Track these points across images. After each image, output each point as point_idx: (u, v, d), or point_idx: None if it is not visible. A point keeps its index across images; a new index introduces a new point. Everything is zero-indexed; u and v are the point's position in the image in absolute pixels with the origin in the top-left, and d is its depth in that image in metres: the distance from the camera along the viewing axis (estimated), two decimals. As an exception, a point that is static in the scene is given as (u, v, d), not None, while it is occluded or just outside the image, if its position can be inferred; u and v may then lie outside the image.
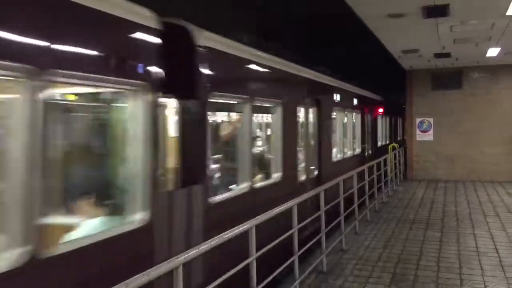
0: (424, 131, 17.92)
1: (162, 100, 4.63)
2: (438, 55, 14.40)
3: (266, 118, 8.42)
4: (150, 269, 3.20)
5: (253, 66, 7.18)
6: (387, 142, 20.58)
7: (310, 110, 9.96)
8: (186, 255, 3.59)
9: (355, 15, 9.29)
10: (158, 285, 3.58)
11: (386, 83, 21.88)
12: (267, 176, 7.73)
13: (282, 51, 8.77)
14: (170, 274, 3.41)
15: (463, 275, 6.88)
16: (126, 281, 2.96)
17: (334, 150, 11.77)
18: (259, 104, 7.29)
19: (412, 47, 13.28)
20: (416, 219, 10.82)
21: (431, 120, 17.84)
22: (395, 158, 16.30)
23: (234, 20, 11.53)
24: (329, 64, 13.02)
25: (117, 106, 4.48)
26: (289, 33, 14.79)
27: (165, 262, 3.39)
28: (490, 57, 14.80)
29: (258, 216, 4.99)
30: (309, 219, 6.84)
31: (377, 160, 12.76)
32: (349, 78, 13.66)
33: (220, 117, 7.05)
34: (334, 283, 6.61)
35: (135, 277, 3.04)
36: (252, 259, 4.74)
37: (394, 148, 17.42)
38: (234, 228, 4.48)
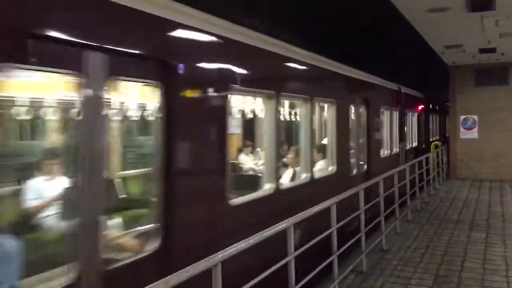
0: (469, 129, 17.38)
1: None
2: (482, 50, 13.93)
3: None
4: (189, 267, 3.22)
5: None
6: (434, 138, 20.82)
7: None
8: (225, 253, 3.60)
9: (396, 10, 9.09)
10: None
11: (429, 79, 21.34)
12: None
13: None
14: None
15: (510, 278, 6.63)
16: (165, 278, 2.98)
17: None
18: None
19: (455, 42, 12.91)
20: (459, 219, 10.52)
21: (475, 117, 17.29)
22: (437, 157, 15.90)
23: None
24: (368, 59, 12.82)
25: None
26: (326, 29, 14.63)
27: (204, 260, 3.41)
28: (538, 52, 14.20)
29: (297, 215, 4.98)
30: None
31: (418, 159, 12.49)
32: (392, 75, 13.45)
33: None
34: (374, 284, 6.50)
35: (174, 274, 3.07)
36: (291, 257, 4.71)
37: (436, 146, 16.95)
38: (273, 226, 4.47)
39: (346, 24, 15.06)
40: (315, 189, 7.29)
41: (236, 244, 3.83)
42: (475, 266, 7.15)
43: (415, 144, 17.06)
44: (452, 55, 15.04)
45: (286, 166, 7.90)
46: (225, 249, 3.65)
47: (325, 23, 14.47)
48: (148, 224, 3.99)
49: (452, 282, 6.50)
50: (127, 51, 3.72)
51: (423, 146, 17.85)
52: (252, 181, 6.72)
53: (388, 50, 17.43)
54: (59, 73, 3.33)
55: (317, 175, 7.74)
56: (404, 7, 9.11)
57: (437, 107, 22.85)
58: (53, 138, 4.30)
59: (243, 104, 8.41)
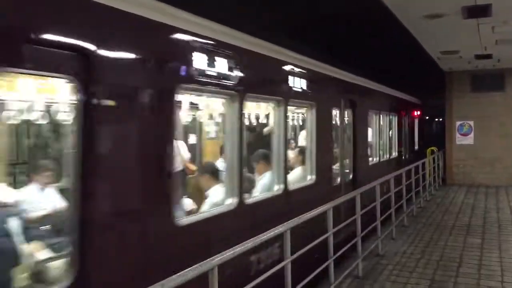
0: (464, 135, 17.44)
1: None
2: (479, 57, 13.99)
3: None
4: (186, 270, 3.23)
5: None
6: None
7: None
8: (221, 256, 3.61)
9: (392, 16, 9.12)
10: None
11: (424, 85, 21.40)
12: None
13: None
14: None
15: (505, 283, 6.65)
16: (162, 281, 2.99)
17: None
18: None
19: (451, 48, 12.96)
20: (455, 225, 10.54)
21: (471, 123, 17.35)
22: (433, 162, 15.94)
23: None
24: (364, 65, 12.83)
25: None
26: (322, 33, 14.63)
27: (201, 263, 3.41)
28: (534, 59, 14.27)
29: (293, 219, 4.99)
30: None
31: (414, 164, 12.53)
32: (386, 80, 13.46)
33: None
34: (370, 288, 6.51)
35: (171, 277, 3.07)
36: (287, 261, 4.71)
37: (432, 152, 16.99)
38: (269, 231, 4.48)
39: (342, 29, 15.10)
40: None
41: (232, 248, 3.85)
42: (471, 272, 7.17)
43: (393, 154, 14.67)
44: (448, 61, 15.10)
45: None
46: (221, 253, 3.67)
47: (321, 29, 14.51)
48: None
49: (447, 287, 6.52)
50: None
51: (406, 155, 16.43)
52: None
53: (384, 55, 17.46)
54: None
55: None
56: (400, 13, 9.14)
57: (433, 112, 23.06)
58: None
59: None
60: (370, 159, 11.69)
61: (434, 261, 7.73)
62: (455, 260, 7.77)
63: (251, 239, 4.17)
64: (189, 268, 3.27)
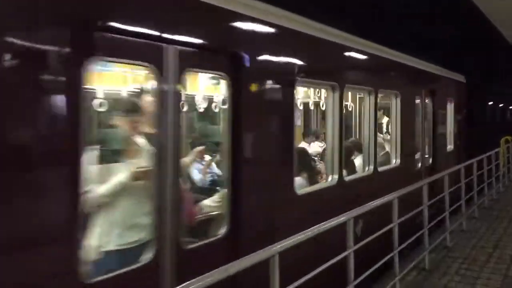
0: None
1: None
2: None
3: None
4: (246, 256, 3.24)
5: None
6: None
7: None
8: (282, 244, 3.59)
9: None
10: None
11: (499, 68, 20.19)
12: None
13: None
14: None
15: None
16: (225, 266, 3.02)
17: None
18: None
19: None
20: (532, 218, 9.94)
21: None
22: (508, 152, 15.06)
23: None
24: (437, 49, 12.27)
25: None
26: (390, 17, 14.17)
27: (261, 250, 3.41)
28: None
29: (355, 209, 4.88)
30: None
31: (487, 154, 11.87)
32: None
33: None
34: (438, 282, 6.27)
35: (232, 263, 3.10)
36: (350, 251, 4.62)
37: (507, 141, 16.04)
38: (331, 219, 4.41)
39: (413, 13, 14.58)
40: None
41: (294, 235, 3.81)
42: (549, 268, 6.74)
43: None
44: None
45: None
46: (282, 240, 3.64)
47: (393, 13, 14.08)
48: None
49: (522, 284, 6.17)
50: None
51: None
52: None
53: (456, 37, 16.68)
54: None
55: None
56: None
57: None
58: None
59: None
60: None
61: (508, 255, 7.32)
62: (531, 255, 7.33)
63: (313, 227, 4.11)
64: (250, 255, 3.27)
